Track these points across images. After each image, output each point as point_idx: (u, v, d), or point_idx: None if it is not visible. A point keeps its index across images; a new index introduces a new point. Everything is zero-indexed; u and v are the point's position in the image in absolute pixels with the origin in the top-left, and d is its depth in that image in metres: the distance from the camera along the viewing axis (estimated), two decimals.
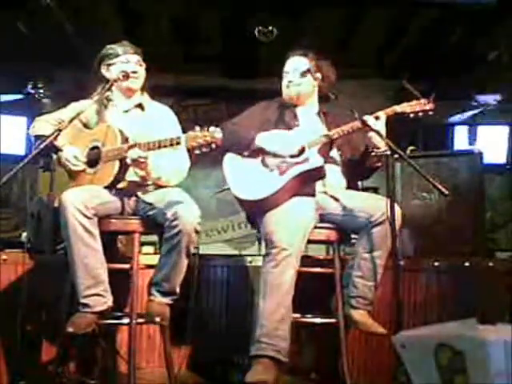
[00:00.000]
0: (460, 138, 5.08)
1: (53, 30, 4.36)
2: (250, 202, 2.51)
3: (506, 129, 5.06)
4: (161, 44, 4.87)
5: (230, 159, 2.64)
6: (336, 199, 2.53)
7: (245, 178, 2.57)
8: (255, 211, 2.57)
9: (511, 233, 4.24)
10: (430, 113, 2.49)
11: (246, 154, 2.60)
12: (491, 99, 5.09)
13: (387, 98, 4.97)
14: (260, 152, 2.57)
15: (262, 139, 2.55)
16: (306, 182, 2.52)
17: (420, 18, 4.46)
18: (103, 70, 2.66)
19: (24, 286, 2.65)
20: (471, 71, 4.80)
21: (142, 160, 2.38)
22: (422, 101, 2.48)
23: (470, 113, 5.15)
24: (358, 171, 2.68)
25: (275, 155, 2.53)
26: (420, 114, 2.49)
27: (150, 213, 2.45)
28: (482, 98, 5.11)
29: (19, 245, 3.13)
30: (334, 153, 2.66)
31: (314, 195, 2.54)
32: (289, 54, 2.76)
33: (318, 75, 2.69)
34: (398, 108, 2.50)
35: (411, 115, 2.49)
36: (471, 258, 3.08)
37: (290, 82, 2.70)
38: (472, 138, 4.98)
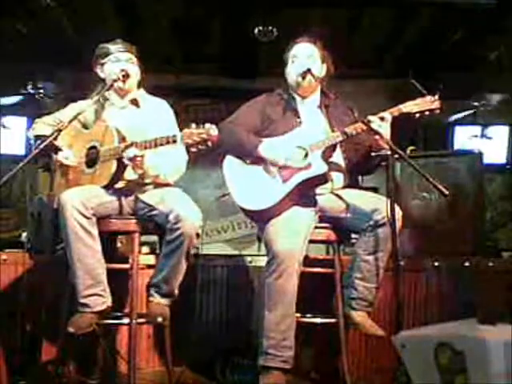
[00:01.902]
0: (460, 138, 5.07)
1: (53, 29, 4.36)
2: (253, 212, 2.49)
3: (506, 129, 5.06)
4: (161, 44, 4.87)
5: (230, 164, 2.59)
6: (337, 198, 2.52)
7: (247, 185, 2.53)
8: (258, 219, 2.56)
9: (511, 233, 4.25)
10: (437, 111, 2.39)
11: (248, 161, 2.56)
12: (491, 99, 5.08)
13: (387, 97, 4.97)
14: (262, 159, 2.52)
15: (266, 150, 2.49)
16: (309, 188, 2.49)
17: (420, 18, 4.45)
18: (98, 70, 2.67)
19: (24, 285, 2.65)
20: (471, 71, 4.80)
21: (138, 159, 2.38)
22: (428, 98, 2.40)
23: (470, 112, 5.14)
24: (360, 168, 2.65)
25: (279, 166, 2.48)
26: (426, 113, 2.40)
27: (150, 214, 2.45)
28: (482, 98, 5.10)
29: (19, 245, 3.14)
30: (337, 152, 2.59)
31: (315, 201, 2.52)
32: (296, 40, 2.66)
33: (324, 66, 2.65)
34: (404, 108, 2.41)
35: (417, 115, 2.40)
36: (471, 258, 3.08)
37: (308, 69, 2.53)
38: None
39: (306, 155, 2.46)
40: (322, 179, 2.46)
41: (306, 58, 2.60)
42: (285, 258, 2.28)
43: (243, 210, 2.53)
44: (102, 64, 2.64)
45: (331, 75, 2.70)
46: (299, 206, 2.47)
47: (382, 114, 2.39)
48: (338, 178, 2.59)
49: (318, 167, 2.44)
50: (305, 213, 2.47)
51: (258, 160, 2.52)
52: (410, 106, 2.41)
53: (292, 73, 2.62)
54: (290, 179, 2.45)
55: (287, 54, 2.66)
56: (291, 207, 2.45)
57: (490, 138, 4.90)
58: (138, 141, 2.37)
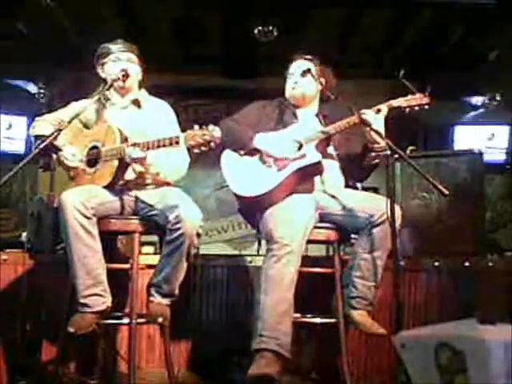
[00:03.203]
0: (460, 138, 5.08)
1: (53, 29, 4.37)
2: (249, 199, 2.52)
3: (506, 129, 5.06)
4: (161, 44, 4.87)
5: (227, 156, 2.66)
6: (336, 198, 2.53)
7: (243, 174, 2.58)
8: (254, 208, 2.57)
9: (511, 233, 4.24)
10: (426, 107, 2.52)
11: (242, 153, 2.62)
12: (491, 99, 5.09)
13: (387, 97, 4.98)
14: (258, 151, 2.60)
15: (260, 141, 2.57)
16: (305, 178, 2.54)
17: (420, 18, 4.46)
18: (99, 70, 2.67)
19: (24, 285, 2.65)
20: (471, 71, 4.80)
21: (141, 159, 2.38)
22: (418, 95, 2.52)
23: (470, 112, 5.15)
24: (354, 171, 2.68)
25: (273, 157, 2.55)
26: (416, 108, 2.52)
27: (151, 213, 2.45)
28: (481, 99, 5.11)
29: (19, 245, 3.14)
30: (332, 150, 2.67)
31: (311, 191, 2.55)
32: (294, 57, 2.78)
33: (322, 80, 2.71)
34: (394, 102, 2.54)
35: (407, 109, 2.53)
36: (471, 258, 3.08)
37: (295, 83, 2.71)
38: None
39: (300, 147, 2.54)
40: (317, 168, 2.53)
41: (299, 74, 2.70)
42: (284, 244, 2.29)
43: (239, 198, 2.56)
44: (103, 64, 2.65)
45: (331, 88, 2.74)
46: (298, 196, 2.49)
47: (378, 107, 2.50)
48: (336, 177, 2.64)
49: (313, 156, 2.52)
50: (304, 203, 2.49)
51: (253, 152, 2.59)
52: (400, 102, 2.55)
53: (287, 88, 2.76)
54: (286, 167, 2.51)
55: (286, 73, 2.78)
56: (287, 196, 2.48)
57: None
58: (141, 141, 2.37)
